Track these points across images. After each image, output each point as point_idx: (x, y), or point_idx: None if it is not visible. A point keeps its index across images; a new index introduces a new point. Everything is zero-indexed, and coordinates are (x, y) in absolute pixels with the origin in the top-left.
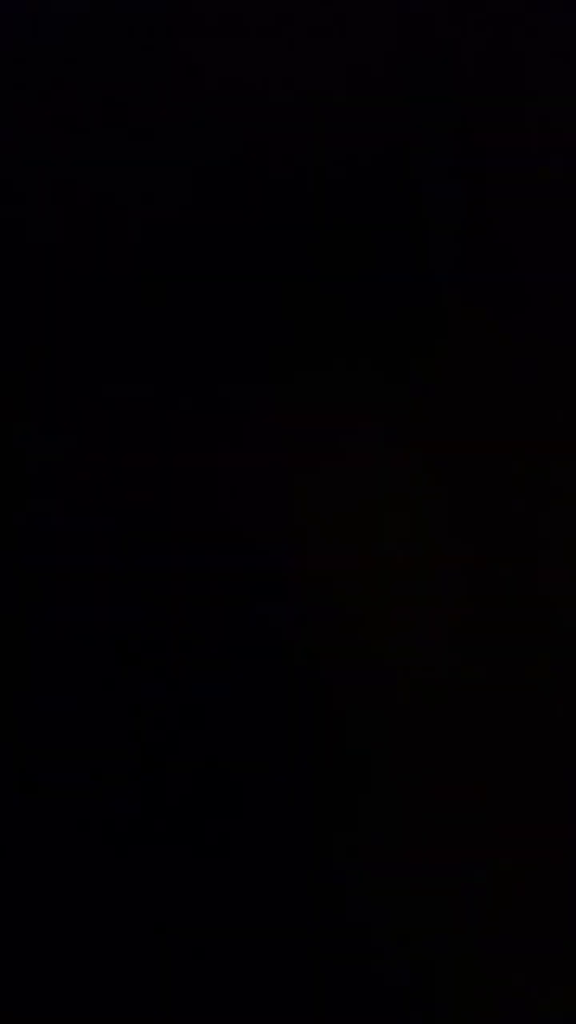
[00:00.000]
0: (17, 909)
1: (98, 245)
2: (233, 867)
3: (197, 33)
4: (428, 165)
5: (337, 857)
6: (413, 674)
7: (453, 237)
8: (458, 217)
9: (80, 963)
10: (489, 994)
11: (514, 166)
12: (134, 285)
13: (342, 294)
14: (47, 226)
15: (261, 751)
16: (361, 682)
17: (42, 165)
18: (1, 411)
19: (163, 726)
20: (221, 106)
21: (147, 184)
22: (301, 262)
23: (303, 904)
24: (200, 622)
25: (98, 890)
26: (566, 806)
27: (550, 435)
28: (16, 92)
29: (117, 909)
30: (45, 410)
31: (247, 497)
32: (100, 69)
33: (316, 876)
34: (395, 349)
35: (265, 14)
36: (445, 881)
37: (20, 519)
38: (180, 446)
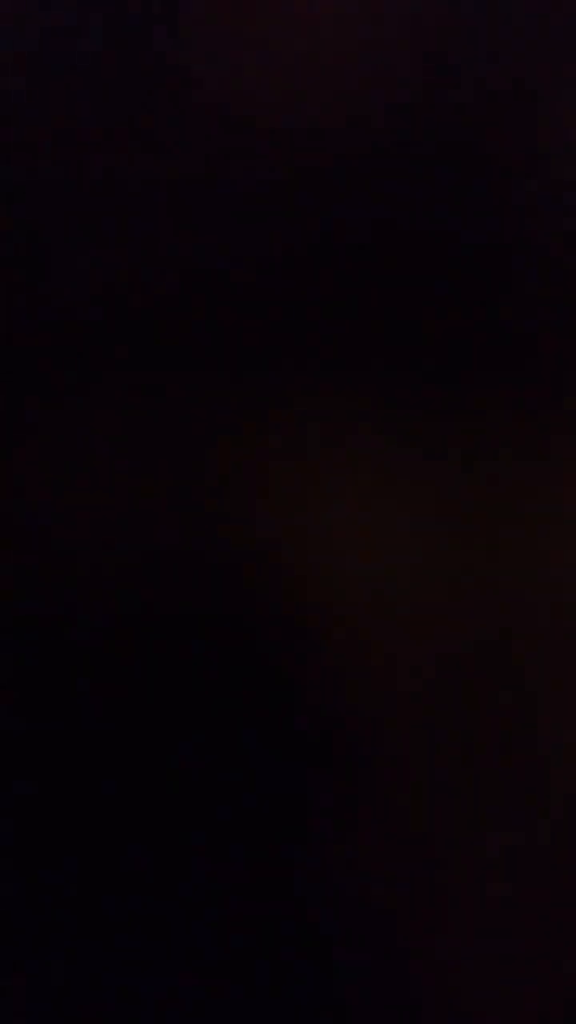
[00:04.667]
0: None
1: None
2: (232, 868)
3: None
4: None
5: (334, 862)
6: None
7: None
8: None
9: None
10: (488, 993)
11: None
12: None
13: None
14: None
15: (259, 754)
16: (361, 696)
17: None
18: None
19: (163, 727)
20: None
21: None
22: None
23: (302, 904)
24: (198, 628)
25: (98, 890)
26: (565, 807)
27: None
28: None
29: (117, 909)
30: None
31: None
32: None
33: (314, 878)
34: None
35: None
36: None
37: (20, 518)
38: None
